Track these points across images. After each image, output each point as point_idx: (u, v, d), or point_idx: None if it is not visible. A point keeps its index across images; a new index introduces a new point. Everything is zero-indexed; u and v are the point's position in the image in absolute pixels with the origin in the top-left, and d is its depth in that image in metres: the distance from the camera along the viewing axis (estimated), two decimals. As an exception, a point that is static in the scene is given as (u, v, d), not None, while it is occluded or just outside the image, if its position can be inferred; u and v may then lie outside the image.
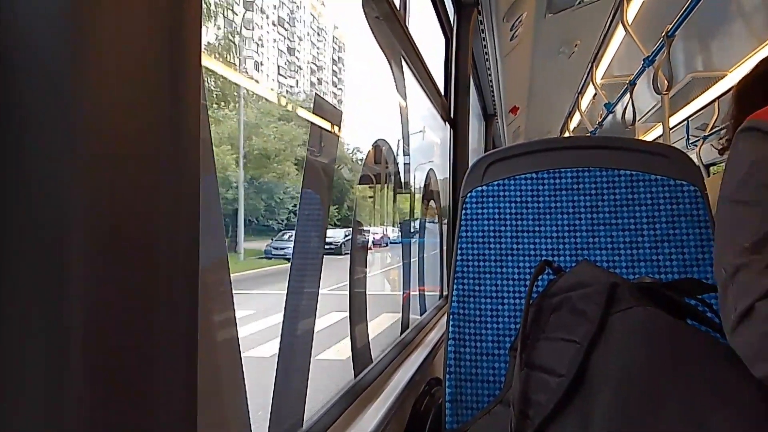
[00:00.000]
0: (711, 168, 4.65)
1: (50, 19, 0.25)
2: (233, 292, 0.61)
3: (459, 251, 0.96)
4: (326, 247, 0.91)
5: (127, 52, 0.27)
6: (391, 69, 1.57)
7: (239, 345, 0.63)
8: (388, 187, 1.75)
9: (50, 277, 0.25)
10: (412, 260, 1.86)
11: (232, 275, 0.61)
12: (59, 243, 0.25)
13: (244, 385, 0.64)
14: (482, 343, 0.90)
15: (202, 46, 0.34)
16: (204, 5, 0.34)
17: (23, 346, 0.25)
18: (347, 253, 1.13)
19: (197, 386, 0.32)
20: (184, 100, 0.31)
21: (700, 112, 3.97)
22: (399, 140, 1.69)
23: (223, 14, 2.10)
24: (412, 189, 1.95)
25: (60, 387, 0.25)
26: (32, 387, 0.25)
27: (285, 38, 3.08)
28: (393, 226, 2.05)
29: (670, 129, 2.78)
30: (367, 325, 1.19)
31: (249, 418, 0.65)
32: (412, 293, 1.81)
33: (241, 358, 0.63)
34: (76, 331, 0.25)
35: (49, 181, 0.25)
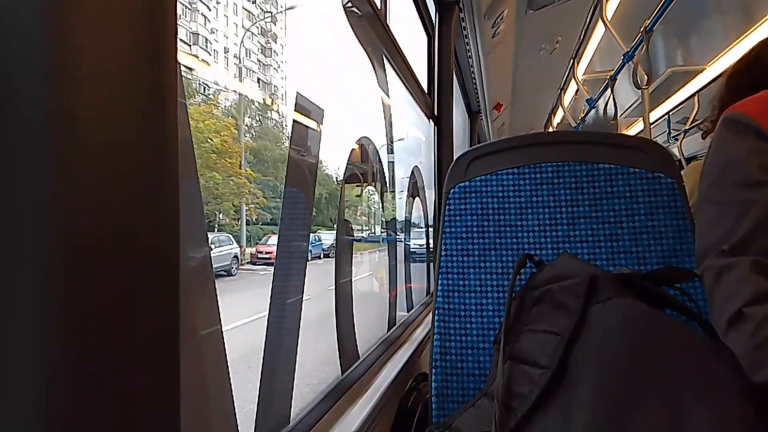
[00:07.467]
0: (692, 161, 4.72)
1: (25, 18, 0.25)
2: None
3: (443, 247, 0.97)
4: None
5: (102, 50, 0.27)
6: (373, 67, 1.57)
7: (224, 344, 0.63)
8: (375, 186, 1.76)
9: (28, 277, 0.25)
10: (398, 259, 1.87)
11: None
12: (37, 243, 0.25)
13: (230, 384, 0.64)
14: (467, 337, 0.91)
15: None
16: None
17: (1, 346, 0.25)
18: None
19: (180, 386, 0.32)
20: (161, 98, 0.31)
21: (681, 106, 4.01)
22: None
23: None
24: (396, 188, 1.95)
25: (40, 388, 0.25)
26: (12, 388, 0.25)
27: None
28: (378, 224, 2.05)
29: (652, 123, 2.82)
30: (353, 324, 1.19)
31: (235, 418, 0.65)
32: (398, 291, 1.82)
33: (226, 358, 0.63)
34: (55, 331, 0.25)
35: (26, 182, 0.25)
